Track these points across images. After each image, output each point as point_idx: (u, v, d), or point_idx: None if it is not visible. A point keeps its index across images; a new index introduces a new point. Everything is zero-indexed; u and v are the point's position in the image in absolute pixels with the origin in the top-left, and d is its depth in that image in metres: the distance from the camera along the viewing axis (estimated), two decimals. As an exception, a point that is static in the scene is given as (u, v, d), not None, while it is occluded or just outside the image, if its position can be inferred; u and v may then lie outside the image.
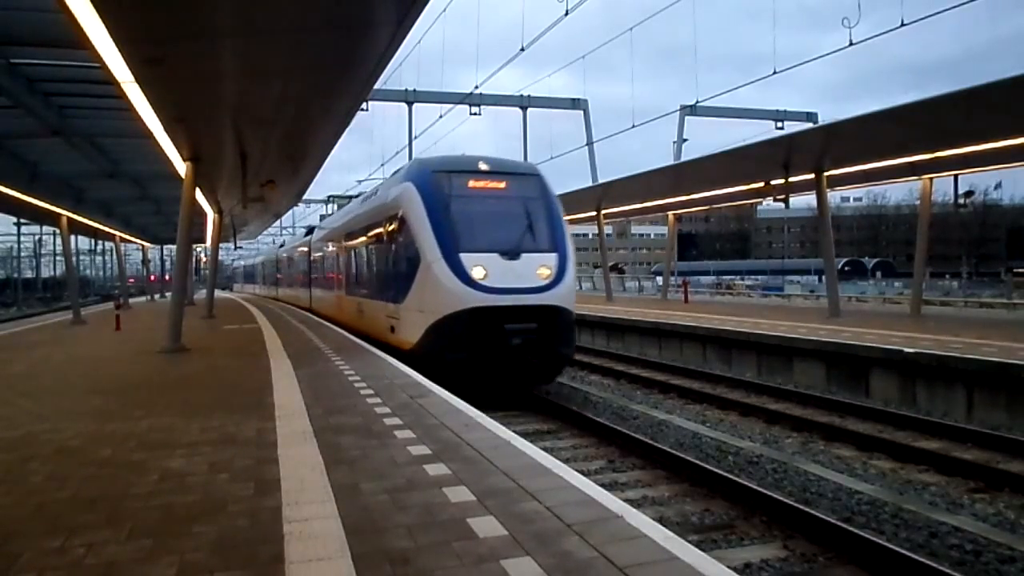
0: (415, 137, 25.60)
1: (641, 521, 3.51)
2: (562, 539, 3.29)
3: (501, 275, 10.18)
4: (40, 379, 9.08)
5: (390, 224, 12.19)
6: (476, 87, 22.21)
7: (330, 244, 19.95)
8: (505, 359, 10.05)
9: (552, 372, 11.16)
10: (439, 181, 11.06)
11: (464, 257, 10.18)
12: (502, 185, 11.41)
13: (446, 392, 7.22)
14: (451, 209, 10.72)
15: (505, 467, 4.45)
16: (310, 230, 28.21)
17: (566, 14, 14.25)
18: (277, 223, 44.23)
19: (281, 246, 37.80)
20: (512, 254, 10.45)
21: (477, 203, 11.05)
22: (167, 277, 43.37)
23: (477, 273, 10.12)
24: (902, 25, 11.60)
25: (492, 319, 9.97)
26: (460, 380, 9.09)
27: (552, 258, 10.72)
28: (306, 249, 25.52)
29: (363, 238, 14.92)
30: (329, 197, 33.12)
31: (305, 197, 28.39)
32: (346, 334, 13.96)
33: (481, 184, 11.29)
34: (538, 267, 10.53)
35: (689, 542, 3.30)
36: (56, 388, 8.18)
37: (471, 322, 9.94)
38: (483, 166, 11.53)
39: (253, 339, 13.40)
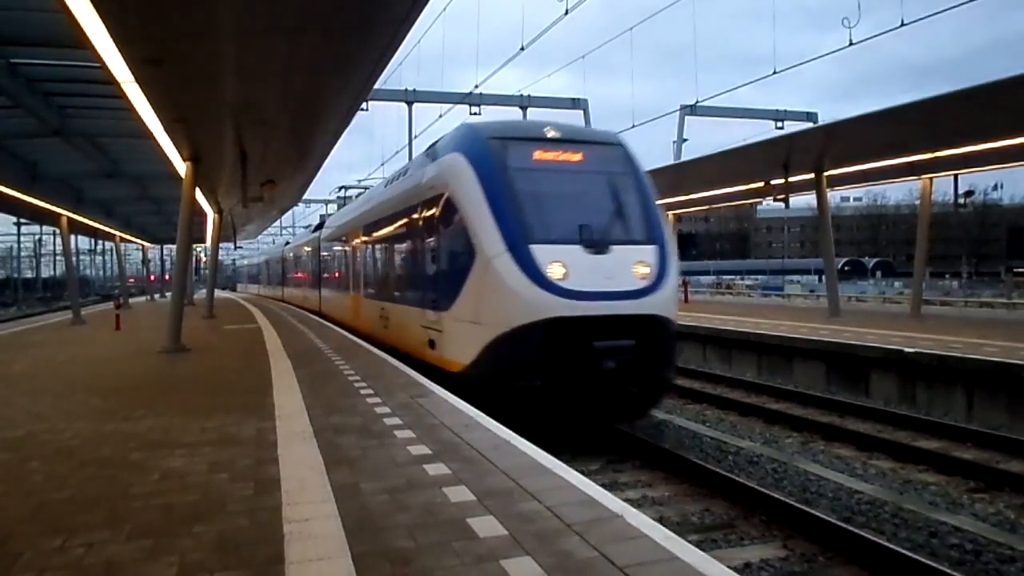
0: (415, 137, 25.47)
1: (641, 521, 3.51)
2: (562, 539, 3.29)
3: (586, 274, 7.81)
4: (40, 379, 9.08)
5: (429, 208, 9.69)
6: (476, 87, 22.17)
7: (346, 237, 17.28)
8: (593, 387, 7.76)
9: (649, 404, 8.64)
10: (496, 151, 8.64)
11: (536, 250, 7.83)
12: (578, 157, 9.02)
13: (446, 392, 7.21)
14: (516, 187, 8.31)
15: (505, 467, 4.45)
16: (321, 223, 24.99)
17: (566, 14, 14.24)
18: (277, 223, 44.28)
19: (287, 243, 35.47)
20: (599, 247, 8.05)
21: (548, 179, 8.69)
22: (167, 277, 43.40)
23: (555, 271, 7.76)
24: (902, 25, 11.66)
25: (577, 333, 7.64)
26: (530, 415, 7.24)
27: (651, 252, 8.32)
28: (316, 245, 22.93)
29: (390, 228, 12.33)
30: (340, 188, 32.30)
31: (305, 196, 28.34)
32: (346, 334, 13.94)
33: (551, 155, 8.90)
34: (634, 263, 8.13)
35: (689, 542, 3.30)
36: (56, 388, 8.17)
37: (548, 337, 7.60)
38: (551, 132, 9.14)
39: (253, 339, 13.40)
